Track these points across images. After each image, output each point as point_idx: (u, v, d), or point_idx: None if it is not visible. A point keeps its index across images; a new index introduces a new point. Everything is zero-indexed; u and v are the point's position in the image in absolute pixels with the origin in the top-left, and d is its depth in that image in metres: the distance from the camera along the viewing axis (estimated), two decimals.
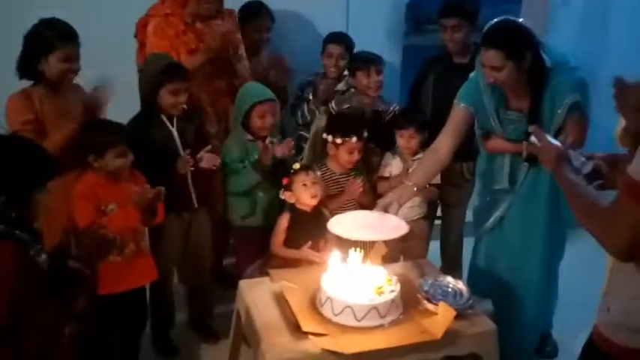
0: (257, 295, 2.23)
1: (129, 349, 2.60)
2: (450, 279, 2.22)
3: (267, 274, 2.37)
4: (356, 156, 2.79)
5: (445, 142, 2.52)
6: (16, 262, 1.58)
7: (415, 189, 2.46)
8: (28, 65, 2.38)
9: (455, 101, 2.54)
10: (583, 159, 1.78)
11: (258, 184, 2.73)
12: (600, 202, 1.50)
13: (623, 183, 1.39)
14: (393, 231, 2.28)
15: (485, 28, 2.32)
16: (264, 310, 2.13)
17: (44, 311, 1.62)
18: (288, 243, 2.59)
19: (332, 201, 2.77)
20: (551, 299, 2.73)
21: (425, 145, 2.83)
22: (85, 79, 2.51)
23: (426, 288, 2.16)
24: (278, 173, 2.68)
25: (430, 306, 2.08)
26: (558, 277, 2.70)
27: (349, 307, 2.00)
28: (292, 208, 2.62)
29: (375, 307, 2.00)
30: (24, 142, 1.83)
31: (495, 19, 2.32)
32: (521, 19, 2.37)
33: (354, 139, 2.74)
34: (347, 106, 3.03)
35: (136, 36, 3.00)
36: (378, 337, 1.96)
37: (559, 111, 2.31)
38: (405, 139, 2.86)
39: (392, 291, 2.07)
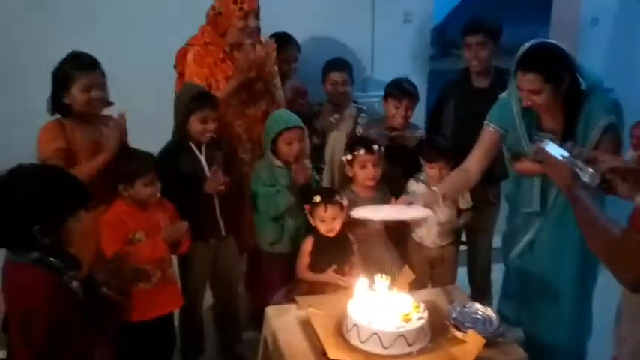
0: (284, 322, 2.22)
1: None
2: (478, 306, 2.19)
3: (293, 300, 2.37)
4: (371, 170, 2.76)
5: (475, 163, 2.52)
6: (49, 290, 1.61)
7: (441, 198, 2.46)
8: (56, 100, 2.43)
9: (485, 122, 2.53)
10: (591, 170, 1.76)
11: (286, 210, 2.74)
12: (612, 231, 1.49)
13: (635, 215, 1.38)
14: (415, 212, 2.39)
15: (521, 51, 2.30)
16: (291, 337, 2.13)
17: (77, 337, 1.65)
18: (313, 267, 2.59)
19: (358, 227, 2.75)
20: (585, 327, 2.65)
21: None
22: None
23: (454, 315, 2.13)
24: (305, 199, 2.69)
25: (459, 333, 2.05)
26: (592, 304, 2.63)
27: (376, 334, 1.98)
28: (316, 232, 2.62)
29: (402, 335, 1.98)
30: (58, 171, 1.89)
31: (531, 42, 2.31)
32: (554, 41, 2.36)
33: (362, 151, 2.75)
34: (373, 131, 3.04)
35: (175, 66, 3.07)
36: None
37: (593, 133, 2.28)
38: (436, 170, 2.84)
39: (420, 318, 2.04)
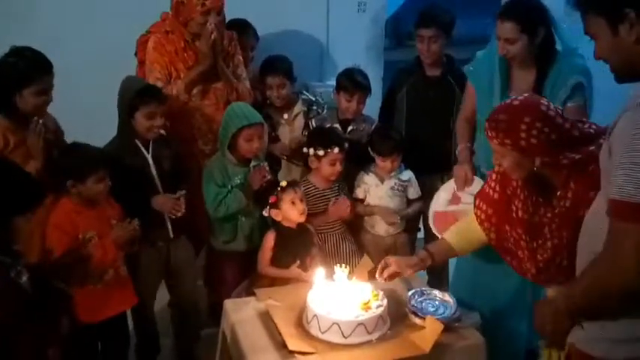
0: (242, 315, 2.19)
1: None
2: (437, 292, 2.21)
3: (254, 294, 2.34)
4: (338, 167, 2.78)
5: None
6: None
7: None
8: (2, 99, 2.27)
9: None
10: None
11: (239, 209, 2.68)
12: (598, 263, 1.37)
13: (613, 209, 1.31)
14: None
15: (504, 0, 2.40)
16: (250, 330, 2.10)
17: (28, 334, 1.58)
18: (275, 262, 2.56)
19: (317, 218, 2.76)
20: None
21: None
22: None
23: (413, 302, 2.15)
24: (260, 197, 2.65)
25: (418, 320, 2.07)
26: None
27: (336, 323, 1.98)
28: (278, 226, 2.59)
29: (361, 324, 1.98)
30: (10, 167, 1.79)
31: None
32: None
33: (336, 149, 2.74)
34: (328, 125, 3.02)
35: (136, 54, 2.97)
36: (366, 353, 1.94)
37: (561, 91, 2.36)
38: (388, 163, 2.85)
39: (379, 306, 2.05)
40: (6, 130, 2.30)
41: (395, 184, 2.90)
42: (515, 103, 1.79)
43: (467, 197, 2.56)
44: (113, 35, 3.10)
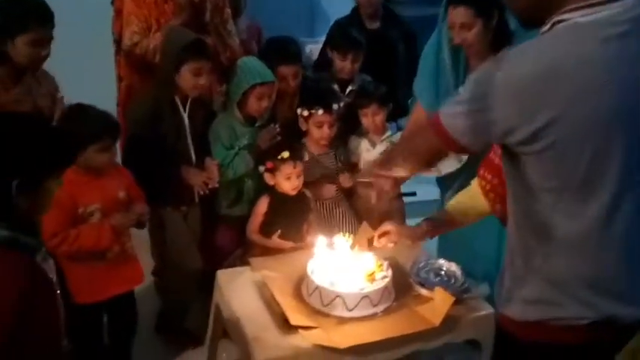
0: (237, 286, 2.06)
1: (119, 358, 2.38)
2: (442, 262, 2.09)
3: (248, 263, 2.20)
4: (326, 131, 2.60)
5: None
6: (20, 280, 1.27)
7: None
8: None
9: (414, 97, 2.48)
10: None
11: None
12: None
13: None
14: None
15: None
16: (246, 302, 1.97)
17: (50, 329, 1.35)
18: (268, 228, 2.42)
19: (312, 187, 2.60)
20: None
21: (390, 118, 2.75)
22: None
23: (418, 272, 2.04)
24: (262, 156, 2.48)
25: (424, 291, 1.96)
26: None
27: (339, 296, 1.86)
28: (272, 191, 2.45)
29: (366, 296, 1.87)
30: (46, 124, 1.63)
31: None
32: None
33: (320, 111, 2.56)
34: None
35: (112, 2, 2.74)
36: (372, 327, 1.83)
37: None
38: (369, 117, 2.70)
39: (384, 277, 1.94)
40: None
41: (387, 147, 2.75)
42: None
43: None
44: None
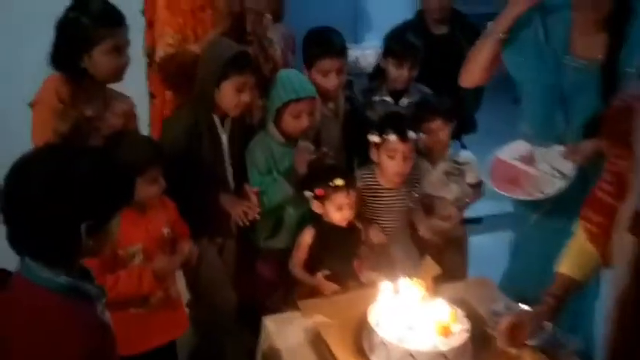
0: (288, 337, 1.82)
1: None
2: (525, 307, 1.80)
3: (294, 304, 1.96)
4: (400, 164, 2.22)
5: None
6: (82, 331, 1.18)
7: None
8: (66, 61, 1.88)
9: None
10: None
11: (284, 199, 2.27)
12: None
13: None
14: None
15: None
16: (299, 357, 1.72)
17: None
18: (316, 264, 2.15)
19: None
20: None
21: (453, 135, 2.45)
22: None
23: (499, 321, 1.74)
24: (310, 182, 2.19)
25: (511, 349, 1.67)
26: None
27: (411, 355, 1.58)
28: (319, 221, 2.18)
29: (442, 355, 1.59)
30: (106, 151, 1.57)
31: None
32: None
33: (393, 136, 2.20)
34: (376, 98, 2.56)
35: (143, 12, 2.51)
36: None
37: None
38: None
39: (462, 330, 1.66)
40: (77, 101, 1.90)
41: (450, 167, 2.46)
42: None
43: (544, 165, 2.10)
44: None
